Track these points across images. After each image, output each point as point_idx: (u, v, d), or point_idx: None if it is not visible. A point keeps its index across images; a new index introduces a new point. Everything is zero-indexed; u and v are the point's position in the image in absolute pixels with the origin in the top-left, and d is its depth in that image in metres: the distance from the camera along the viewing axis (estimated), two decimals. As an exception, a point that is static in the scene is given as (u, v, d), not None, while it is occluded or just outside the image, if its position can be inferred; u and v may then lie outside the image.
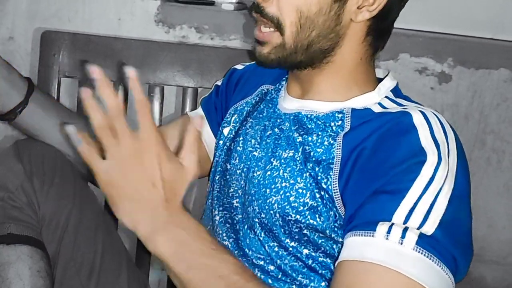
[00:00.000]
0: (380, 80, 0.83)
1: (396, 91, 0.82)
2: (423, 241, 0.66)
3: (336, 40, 0.78)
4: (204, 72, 1.16)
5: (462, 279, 0.71)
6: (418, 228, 0.66)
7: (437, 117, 0.74)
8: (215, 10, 1.40)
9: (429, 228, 0.67)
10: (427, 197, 0.68)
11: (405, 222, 0.67)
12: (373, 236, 0.67)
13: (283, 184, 0.78)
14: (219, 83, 1.00)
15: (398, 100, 0.80)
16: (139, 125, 0.66)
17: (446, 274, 0.66)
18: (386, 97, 0.80)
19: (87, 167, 0.91)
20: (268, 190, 0.80)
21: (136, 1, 1.37)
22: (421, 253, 0.65)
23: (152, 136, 0.66)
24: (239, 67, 0.99)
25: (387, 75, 0.83)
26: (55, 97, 1.10)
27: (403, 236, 0.66)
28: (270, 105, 0.88)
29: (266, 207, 0.80)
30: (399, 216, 0.67)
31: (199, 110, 1.00)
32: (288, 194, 0.78)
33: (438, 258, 0.66)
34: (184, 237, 0.66)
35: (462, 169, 0.72)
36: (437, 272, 0.66)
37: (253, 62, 0.98)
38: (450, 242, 0.67)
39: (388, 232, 0.66)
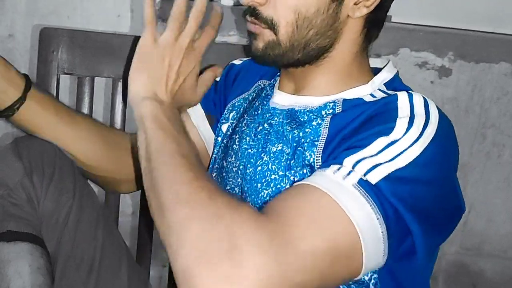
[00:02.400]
0: (378, 70, 0.83)
1: (392, 83, 0.82)
2: (365, 183, 0.67)
3: (334, 36, 0.78)
4: (203, 67, 1.15)
5: (425, 250, 0.69)
6: (364, 175, 0.67)
7: (424, 99, 0.74)
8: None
9: (374, 177, 0.67)
10: (385, 154, 0.68)
11: (353, 167, 0.68)
12: (323, 171, 0.69)
13: (273, 177, 0.79)
14: (217, 78, 1.00)
15: (390, 92, 0.80)
16: (200, 38, 0.81)
17: (377, 219, 0.66)
18: (379, 89, 0.80)
19: (86, 164, 0.92)
20: (259, 184, 0.80)
21: (135, -3, 1.37)
22: (358, 191, 0.66)
23: (202, 52, 0.82)
24: (237, 62, 0.99)
25: (386, 65, 0.83)
26: (54, 94, 1.10)
27: (348, 174, 0.67)
28: (265, 102, 0.88)
29: (259, 201, 0.80)
30: (349, 160, 0.68)
31: (198, 106, 1.00)
32: (279, 186, 0.78)
33: (374, 202, 0.66)
34: (166, 111, 0.76)
35: (438, 146, 0.70)
36: (367, 212, 0.65)
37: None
38: (393, 195, 0.67)
39: (338, 170, 0.68)
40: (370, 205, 0.66)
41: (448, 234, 0.74)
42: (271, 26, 0.77)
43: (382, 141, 0.69)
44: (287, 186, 0.78)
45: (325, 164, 0.71)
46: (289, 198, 0.67)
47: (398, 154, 0.68)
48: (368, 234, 0.65)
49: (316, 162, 0.76)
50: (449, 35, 1.47)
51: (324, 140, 0.76)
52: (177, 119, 0.77)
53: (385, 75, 0.82)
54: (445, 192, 0.72)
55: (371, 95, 0.79)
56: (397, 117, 0.71)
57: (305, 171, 0.76)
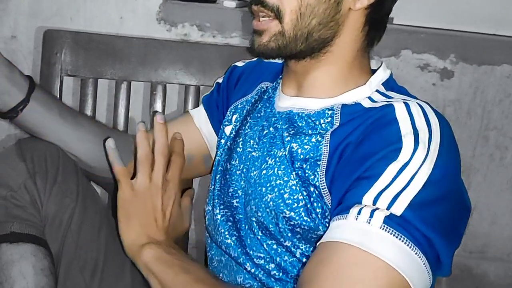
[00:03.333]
0: (374, 72, 0.83)
1: (388, 83, 0.82)
2: (391, 221, 0.66)
3: (336, 29, 0.79)
4: (206, 70, 1.16)
5: (451, 263, 0.70)
6: (387, 209, 0.67)
7: (421, 107, 0.73)
8: (216, 8, 1.40)
9: (398, 208, 0.67)
10: (400, 180, 0.68)
11: (374, 203, 0.67)
12: (345, 218, 0.68)
13: (278, 182, 0.79)
14: (220, 80, 1.00)
15: (389, 93, 0.80)
16: (170, 169, 0.85)
17: (416, 253, 0.66)
18: (377, 90, 0.80)
19: (90, 166, 0.93)
20: (263, 188, 0.80)
21: (138, -1, 1.37)
22: (388, 232, 0.66)
23: (177, 181, 0.85)
24: (240, 64, 1.00)
25: (379, 66, 0.83)
26: (58, 96, 1.10)
27: (371, 216, 0.66)
28: (268, 105, 0.88)
29: (262, 205, 0.80)
30: (369, 197, 0.68)
31: (201, 108, 1.00)
32: (282, 191, 0.78)
33: (406, 237, 0.66)
34: (168, 249, 0.80)
35: (445, 157, 0.71)
36: (404, 250, 0.65)
37: (253, 60, 0.98)
38: (422, 223, 0.67)
39: (359, 213, 0.67)
40: (405, 242, 0.65)
41: (462, 236, 0.74)
42: (277, 14, 0.77)
43: (393, 168, 0.69)
44: (292, 193, 0.78)
45: (341, 207, 0.70)
46: (322, 263, 0.67)
47: (412, 177, 0.68)
48: (413, 272, 0.65)
49: (321, 183, 0.76)
50: (451, 37, 1.47)
51: (326, 160, 0.76)
52: (178, 251, 0.81)
53: (382, 75, 0.82)
54: (457, 199, 0.72)
55: (370, 98, 0.79)
56: (401, 135, 0.70)
57: (312, 189, 0.76)
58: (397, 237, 0.65)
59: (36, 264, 0.80)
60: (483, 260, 1.56)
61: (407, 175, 0.68)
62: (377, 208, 0.67)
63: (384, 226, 0.66)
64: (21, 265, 0.79)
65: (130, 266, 0.94)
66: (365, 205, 0.67)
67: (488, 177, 1.52)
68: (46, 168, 0.86)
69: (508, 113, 1.50)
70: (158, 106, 1.14)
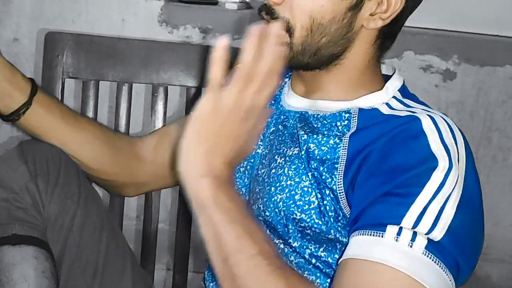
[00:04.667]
0: (386, 77, 0.83)
1: (403, 90, 0.81)
2: (432, 247, 0.67)
3: (346, 45, 0.78)
4: (208, 72, 1.15)
5: (465, 282, 0.72)
6: (427, 234, 0.67)
7: (446, 121, 0.73)
8: (218, 10, 1.40)
9: (437, 234, 0.67)
10: (436, 203, 0.68)
11: (414, 227, 0.67)
12: (382, 236, 0.67)
13: (288, 182, 0.78)
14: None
15: (406, 100, 0.79)
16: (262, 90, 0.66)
17: (450, 280, 0.67)
18: (394, 97, 0.80)
19: (91, 168, 0.93)
20: (273, 188, 0.79)
21: (140, 1, 1.37)
22: (430, 258, 0.66)
23: (261, 109, 0.67)
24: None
25: (394, 73, 0.83)
26: (59, 98, 1.10)
27: (413, 240, 0.66)
28: (272, 102, 0.87)
29: (271, 205, 0.79)
30: (408, 220, 0.67)
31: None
32: (293, 192, 0.77)
33: (444, 264, 0.67)
34: (228, 191, 0.66)
35: (471, 173, 0.72)
36: (443, 278, 0.66)
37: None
38: (456, 248, 0.68)
39: (398, 234, 0.67)
40: (443, 270, 0.66)
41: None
42: (288, 28, 0.76)
43: (429, 189, 0.68)
44: (304, 195, 0.77)
45: (368, 220, 0.69)
46: (366, 284, 0.66)
47: (447, 199, 0.68)
48: None
49: (338, 187, 0.75)
50: (453, 38, 1.47)
51: (344, 163, 0.75)
52: (238, 196, 0.68)
53: (397, 82, 0.81)
54: (480, 214, 0.73)
55: (387, 105, 0.78)
56: (431, 150, 0.70)
57: (327, 192, 0.76)
58: (437, 264, 0.66)
59: (38, 266, 0.80)
60: (486, 262, 1.56)
61: (442, 197, 0.68)
62: (416, 232, 0.67)
63: (426, 252, 0.66)
64: (22, 267, 0.79)
65: (131, 267, 0.94)
66: (403, 227, 0.67)
67: (491, 179, 1.52)
68: (48, 170, 0.86)
69: (511, 114, 1.50)
70: (159, 108, 1.14)
